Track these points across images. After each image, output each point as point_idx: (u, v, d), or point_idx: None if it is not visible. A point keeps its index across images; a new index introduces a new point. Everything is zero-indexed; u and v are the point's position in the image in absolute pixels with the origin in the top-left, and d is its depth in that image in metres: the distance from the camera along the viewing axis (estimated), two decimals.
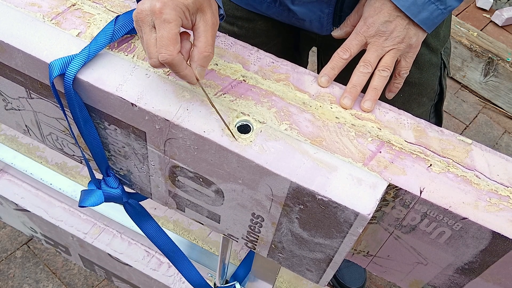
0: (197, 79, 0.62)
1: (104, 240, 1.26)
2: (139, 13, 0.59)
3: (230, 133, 0.62)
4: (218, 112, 0.62)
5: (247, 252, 1.16)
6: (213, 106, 0.63)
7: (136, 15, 0.59)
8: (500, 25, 2.51)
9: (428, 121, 1.04)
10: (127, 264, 1.24)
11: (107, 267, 1.34)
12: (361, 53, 0.75)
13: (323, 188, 0.59)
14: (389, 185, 0.61)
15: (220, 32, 0.72)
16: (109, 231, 1.28)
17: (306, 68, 0.72)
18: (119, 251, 1.26)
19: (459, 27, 2.31)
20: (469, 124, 2.22)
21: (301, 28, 0.95)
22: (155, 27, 0.58)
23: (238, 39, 0.74)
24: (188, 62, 0.61)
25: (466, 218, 0.59)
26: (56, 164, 1.34)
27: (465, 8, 2.58)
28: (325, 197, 0.59)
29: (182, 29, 0.62)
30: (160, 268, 1.24)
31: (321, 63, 1.09)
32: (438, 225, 0.63)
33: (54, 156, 1.35)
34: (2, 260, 1.67)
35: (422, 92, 0.99)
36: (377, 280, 1.72)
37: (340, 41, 0.77)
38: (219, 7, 0.66)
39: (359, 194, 0.59)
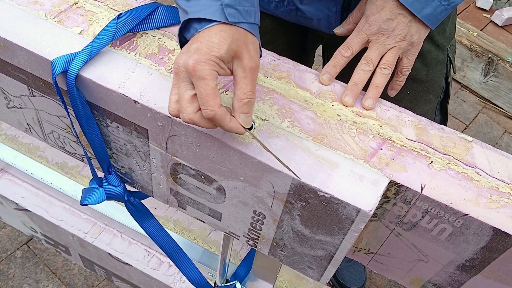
0: (245, 128, 0.59)
1: (104, 240, 1.26)
2: (175, 66, 0.58)
3: (293, 174, 0.60)
4: (274, 155, 0.60)
5: (247, 252, 1.16)
6: (268, 151, 0.60)
7: (174, 68, 0.59)
8: (500, 25, 2.51)
9: (434, 118, 1.04)
10: (127, 264, 1.24)
11: (107, 266, 1.34)
12: (363, 51, 0.75)
13: (324, 185, 0.60)
14: (390, 182, 0.61)
15: None
16: (109, 230, 1.28)
17: (311, 67, 0.72)
18: (120, 250, 1.25)
19: (459, 27, 2.32)
20: (469, 124, 2.22)
21: (308, 27, 0.95)
22: (191, 83, 0.57)
23: None
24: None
25: (467, 214, 0.60)
26: (56, 164, 1.34)
27: (465, 8, 2.58)
28: (326, 193, 0.59)
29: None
30: (161, 267, 1.24)
31: (327, 60, 1.09)
32: (439, 222, 0.63)
33: (55, 156, 1.35)
34: (2, 260, 1.67)
35: (429, 89, 0.99)
36: (377, 280, 1.72)
37: (346, 39, 0.77)
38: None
39: (360, 191, 0.60)
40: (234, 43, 0.57)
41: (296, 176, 0.60)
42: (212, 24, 0.57)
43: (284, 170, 0.60)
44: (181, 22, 0.61)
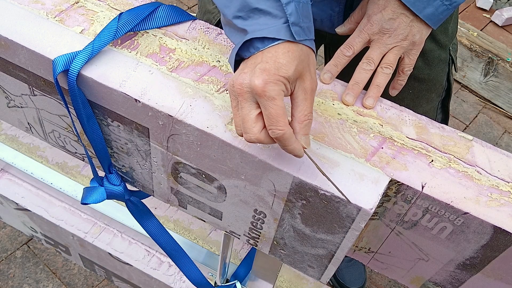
0: (304, 148, 0.59)
1: (104, 240, 1.26)
2: (237, 87, 0.56)
3: (346, 198, 0.59)
4: (329, 179, 0.59)
5: (247, 252, 1.16)
6: (323, 174, 0.60)
7: (233, 87, 0.57)
8: (500, 25, 2.51)
9: (435, 117, 1.04)
10: (127, 264, 1.24)
11: (107, 266, 1.34)
12: (365, 50, 0.76)
13: (325, 183, 0.60)
14: (391, 181, 0.62)
15: None
16: (109, 230, 1.28)
17: None
18: (120, 250, 1.25)
19: (459, 27, 2.32)
20: (469, 124, 2.22)
21: None
22: (256, 103, 0.56)
23: None
24: None
25: (468, 213, 0.60)
26: (56, 163, 1.34)
27: (465, 8, 2.59)
28: (327, 192, 0.59)
29: None
30: (161, 267, 1.24)
31: (329, 60, 1.09)
32: (440, 220, 0.63)
33: (55, 156, 1.35)
34: (2, 260, 1.67)
35: (431, 88, 0.99)
36: (377, 280, 1.72)
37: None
38: None
39: (361, 189, 0.60)
40: (300, 65, 0.57)
41: (348, 200, 0.59)
42: (276, 42, 0.56)
43: (285, 169, 0.60)
44: (239, 41, 0.58)
